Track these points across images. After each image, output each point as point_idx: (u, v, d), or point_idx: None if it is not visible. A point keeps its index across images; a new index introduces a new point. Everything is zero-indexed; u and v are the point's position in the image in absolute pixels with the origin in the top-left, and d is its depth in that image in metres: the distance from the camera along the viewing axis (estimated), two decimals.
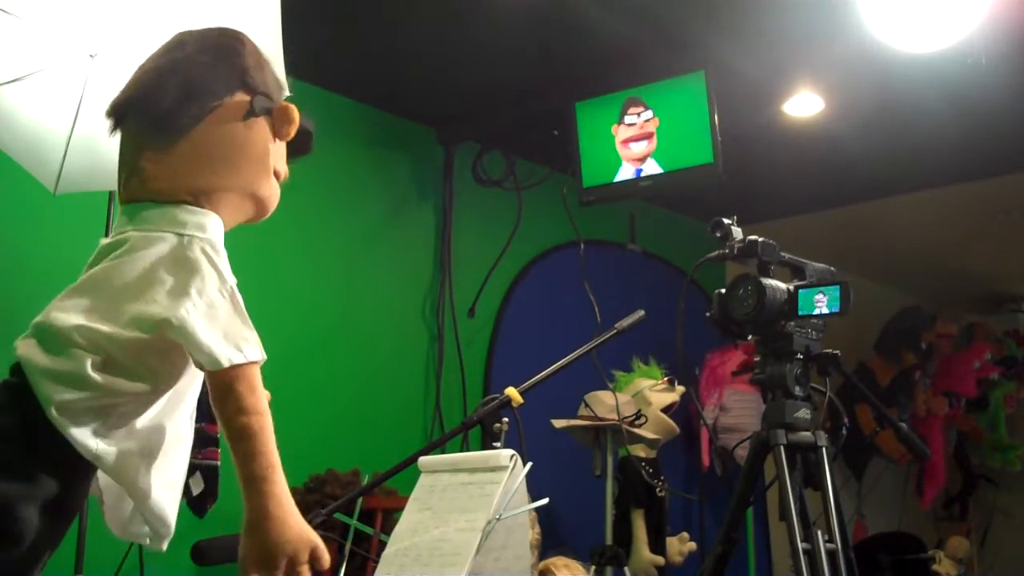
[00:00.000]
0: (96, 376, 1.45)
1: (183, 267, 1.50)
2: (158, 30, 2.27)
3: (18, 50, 2.46)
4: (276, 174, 1.71)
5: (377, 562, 1.68)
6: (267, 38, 2.30)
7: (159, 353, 1.50)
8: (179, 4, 2.36)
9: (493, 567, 1.59)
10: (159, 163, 1.58)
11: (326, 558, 1.52)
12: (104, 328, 1.47)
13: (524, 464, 1.68)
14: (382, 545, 1.86)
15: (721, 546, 2.25)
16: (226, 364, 1.45)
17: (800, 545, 2.04)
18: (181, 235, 1.53)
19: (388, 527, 3.17)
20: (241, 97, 1.63)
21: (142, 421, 1.53)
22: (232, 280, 1.54)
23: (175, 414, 1.60)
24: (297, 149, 1.77)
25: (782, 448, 2.13)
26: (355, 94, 4.10)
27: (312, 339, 3.87)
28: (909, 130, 4.22)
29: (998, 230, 5.56)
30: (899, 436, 2.33)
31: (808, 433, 2.18)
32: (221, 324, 1.48)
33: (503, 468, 1.66)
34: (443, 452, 2.09)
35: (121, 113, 1.63)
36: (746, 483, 2.25)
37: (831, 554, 2.05)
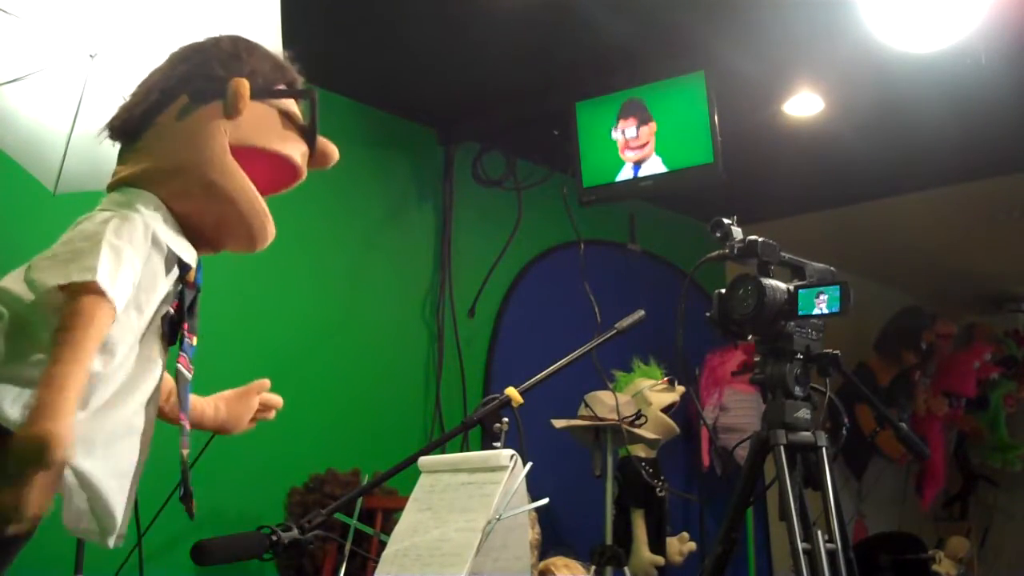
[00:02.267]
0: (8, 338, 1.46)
1: (82, 233, 1.53)
2: (158, 30, 2.27)
3: (18, 50, 2.46)
4: (276, 158, 1.74)
5: (377, 562, 1.68)
6: (267, 39, 2.30)
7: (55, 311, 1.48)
8: (179, 4, 2.36)
9: (493, 567, 1.59)
10: (122, 163, 1.69)
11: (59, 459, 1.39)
12: (12, 288, 1.51)
13: (524, 464, 1.68)
14: (382, 545, 1.86)
15: (721, 546, 2.25)
16: (45, 286, 1.44)
17: (800, 545, 2.04)
18: (112, 213, 1.57)
19: (388, 527, 3.18)
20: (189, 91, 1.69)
21: (82, 411, 1.50)
22: (120, 239, 1.51)
23: (124, 403, 1.58)
24: (306, 132, 1.84)
25: (782, 448, 2.13)
26: (355, 94, 4.11)
27: (312, 339, 3.88)
28: (909, 130, 4.22)
29: (998, 230, 5.56)
30: (899, 436, 2.33)
31: (808, 433, 2.18)
32: (62, 260, 1.47)
33: (503, 468, 1.66)
34: (443, 452, 2.09)
35: (117, 135, 1.75)
36: (746, 483, 2.25)
37: (831, 554, 2.05)
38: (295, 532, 1.70)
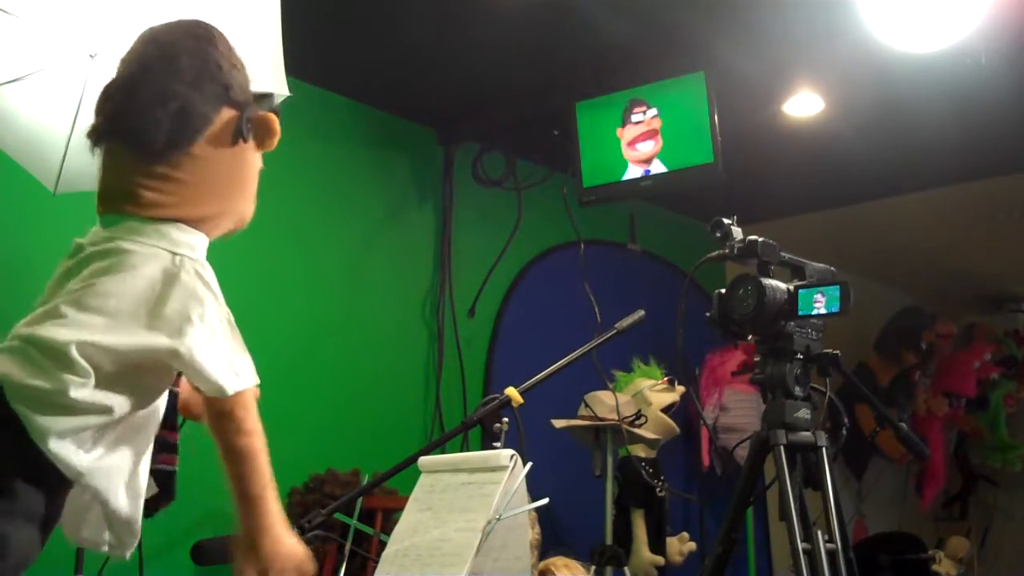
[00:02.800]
0: (79, 396, 1.45)
1: (182, 290, 1.52)
2: None
3: (18, 50, 2.46)
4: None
5: (377, 562, 1.68)
6: (267, 38, 2.31)
7: (153, 371, 1.53)
8: (179, 4, 2.36)
9: (493, 567, 1.59)
10: (153, 187, 1.58)
11: (310, 571, 1.61)
12: (103, 341, 1.47)
13: (524, 464, 1.68)
14: (382, 545, 1.86)
15: (721, 546, 2.25)
16: (231, 392, 1.51)
17: (800, 545, 2.04)
18: (174, 254, 1.54)
19: (388, 527, 3.18)
20: (227, 114, 1.64)
21: (122, 437, 1.54)
22: (224, 304, 1.58)
23: (149, 428, 1.61)
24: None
25: (782, 448, 2.13)
26: (355, 94, 4.10)
27: (312, 339, 3.87)
28: (909, 130, 4.22)
29: (998, 230, 5.56)
30: (899, 436, 2.33)
31: (808, 433, 2.18)
32: (222, 351, 1.53)
33: (503, 468, 1.66)
34: (443, 452, 2.09)
35: (106, 136, 1.63)
36: (746, 483, 2.25)
37: (831, 554, 2.05)
38: (295, 532, 1.70)
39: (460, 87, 4.05)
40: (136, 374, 1.51)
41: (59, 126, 2.57)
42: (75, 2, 2.44)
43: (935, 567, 5.51)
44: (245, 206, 1.69)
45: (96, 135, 1.64)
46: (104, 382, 1.47)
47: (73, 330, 1.46)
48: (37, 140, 2.61)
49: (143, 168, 1.59)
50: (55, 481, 1.46)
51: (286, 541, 1.58)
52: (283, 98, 2.28)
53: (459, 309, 4.37)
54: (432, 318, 4.33)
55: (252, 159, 1.68)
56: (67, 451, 1.44)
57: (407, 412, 4.16)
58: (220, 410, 1.53)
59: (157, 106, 1.59)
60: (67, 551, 2.61)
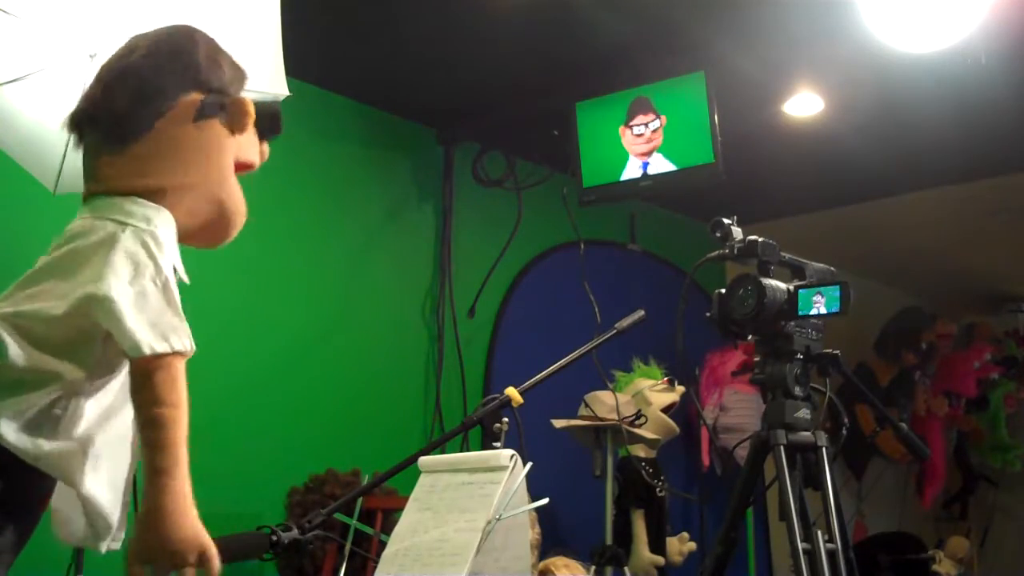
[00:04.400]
0: (19, 366, 1.44)
1: (119, 254, 1.49)
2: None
3: (18, 50, 2.46)
4: (247, 165, 1.72)
5: (377, 562, 1.68)
6: (267, 38, 2.31)
7: (85, 334, 1.49)
8: (179, 4, 2.36)
9: (493, 567, 1.59)
10: (113, 165, 1.61)
11: (215, 563, 1.46)
12: (29, 307, 1.47)
13: (524, 464, 1.68)
14: (382, 545, 1.86)
15: (721, 546, 2.25)
16: (147, 351, 1.44)
17: (800, 545, 2.04)
18: (124, 223, 1.53)
19: (388, 527, 3.18)
20: (194, 97, 1.64)
21: (84, 420, 1.51)
22: (169, 273, 1.52)
23: (120, 414, 1.58)
24: (266, 132, 1.77)
25: (782, 448, 2.13)
26: (355, 94, 4.11)
27: (312, 339, 3.87)
28: (909, 130, 4.22)
29: (998, 230, 5.56)
30: (899, 436, 2.33)
31: (808, 433, 2.18)
32: (149, 312, 1.47)
33: (503, 468, 1.66)
34: (443, 452, 2.09)
35: (79, 124, 1.66)
36: (746, 483, 2.25)
37: (831, 554, 2.05)
38: (295, 532, 1.70)
39: (460, 87, 4.06)
40: (78, 339, 1.48)
41: (59, 126, 2.57)
42: (75, 2, 2.44)
43: (935, 567, 5.51)
44: (206, 181, 1.64)
45: (69, 124, 1.68)
46: (43, 349, 1.46)
47: (7, 304, 1.50)
48: (37, 140, 2.61)
49: (104, 147, 1.63)
50: (14, 466, 1.44)
51: (185, 524, 1.43)
52: (283, 98, 2.28)
53: (459, 309, 4.37)
54: (432, 318, 4.33)
55: (216, 137, 1.65)
56: (17, 435, 1.42)
57: (407, 412, 4.16)
58: (139, 372, 1.46)
59: (117, 84, 1.63)
60: (67, 551, 2.61)
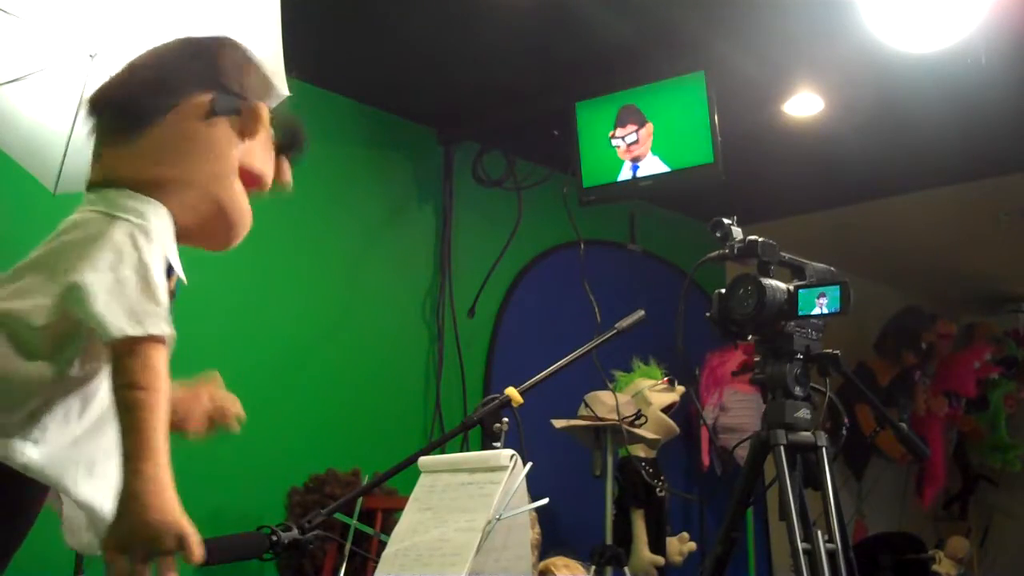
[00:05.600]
0: (2, 361, 1.42)
1: (102, 245, 1.46)
2: (158, 30, 2.27)
3: (18, 50, 2.46)
4: (257, 177, 1.69)
5: (377, 562, 1.68)
6: (267, 38, 2.31)
7: (68, 334, 1.46)
8: (179, 4, 2.36)
9: (493, 567, 1.59)
10: (118, 155, 1.58)
11: (196, 549, 1.37)
12: (14, 305, 1.45)
13: (524, 464, 1.68)
14: (382, 545, 1.86)
15: (721, 546, 2.24)
16: (117, 334, 1.39)
17: (800, 545, 2.04)
18: (113, 216, 1.51)
19: (388, 527, 3.18)
20: (208, 96, 1.62)
21: (74, 426, 1.49)
22: (155, 264, 1.49)
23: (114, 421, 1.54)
24: (285, 147, 1.74)
25: (782, 448, 2.13)
26: (355, 94, 4.11)
27: (312, 339, 3.88)
28: (909, 130, 4.22)
29: (998, 230, 5.56)
30: (899, 436, 2.33)
31: (808, 433, 2.18)
32: (125, 299, 1.43)
33: (503, 468, 1.66)
34: (443, 452, 2.09)
35: (98, 105, 1.63)
36: (746, 483, 2.25)
37: (831, 554, 2.05)
38: (295, 532, 1.70)
39: (460, 87, 4.06)
40: (63, 339, 1.46)
41: (59, 126, 2.57)
42: (75, 2, 2.44)
43: (935, 567, 5.51)
44: (208, 179, 1.61)
45: (89, 105, 1.65)
46: (28, 352, 1.44)
47: None
48: (37, 140, 2.61)
49: (113, 135, 1.61)
50: (1, 473, 1.42)
51: (160, 509, 1.35)
52: (283, 98, 2.28)
53: (459, 309, 4.37)
54: (432, 318, 4.33)
55: (224, 137, 1.62)
56: (8, 445, 1.40)
57: (407, 412, 4.16)
58: (114, 357, 1.41)
59: (139, 71, 1.63)
60: (68, 552, 2.61)
